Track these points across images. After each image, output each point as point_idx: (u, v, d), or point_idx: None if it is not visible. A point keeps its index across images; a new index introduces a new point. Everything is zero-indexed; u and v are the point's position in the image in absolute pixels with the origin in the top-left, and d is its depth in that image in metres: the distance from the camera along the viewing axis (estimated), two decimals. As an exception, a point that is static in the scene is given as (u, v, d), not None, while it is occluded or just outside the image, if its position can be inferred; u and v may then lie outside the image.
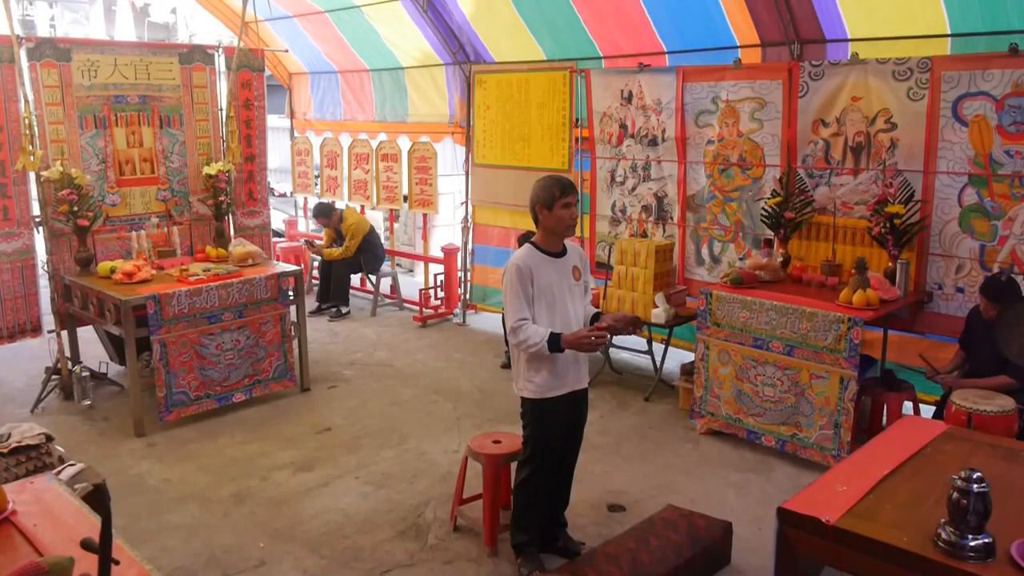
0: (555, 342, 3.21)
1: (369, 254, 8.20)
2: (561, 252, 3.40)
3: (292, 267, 6.02)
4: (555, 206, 3.28)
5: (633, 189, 6.33)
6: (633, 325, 3.41)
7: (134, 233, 5.91)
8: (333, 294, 8.17)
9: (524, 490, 3.51)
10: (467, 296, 7.97)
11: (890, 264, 4.81)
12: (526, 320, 3.26)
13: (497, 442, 3.85)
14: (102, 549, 1.69)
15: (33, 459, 3.03)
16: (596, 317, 3.46)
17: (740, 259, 5.70)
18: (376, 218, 9.66)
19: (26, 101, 5.38)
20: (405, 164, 8.17)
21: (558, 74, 6.71)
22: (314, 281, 8.92)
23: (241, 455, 4.86)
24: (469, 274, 7.92)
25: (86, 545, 1.75)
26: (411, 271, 10.37)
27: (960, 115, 4.57)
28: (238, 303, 5.39)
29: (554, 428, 3.43)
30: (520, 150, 7.14)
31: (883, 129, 4.90)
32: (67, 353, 5.82)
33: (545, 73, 6.83)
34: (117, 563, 1.78)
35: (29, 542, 2.10)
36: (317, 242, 8.61)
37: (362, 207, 8.88)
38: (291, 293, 5.72)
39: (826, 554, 2.37)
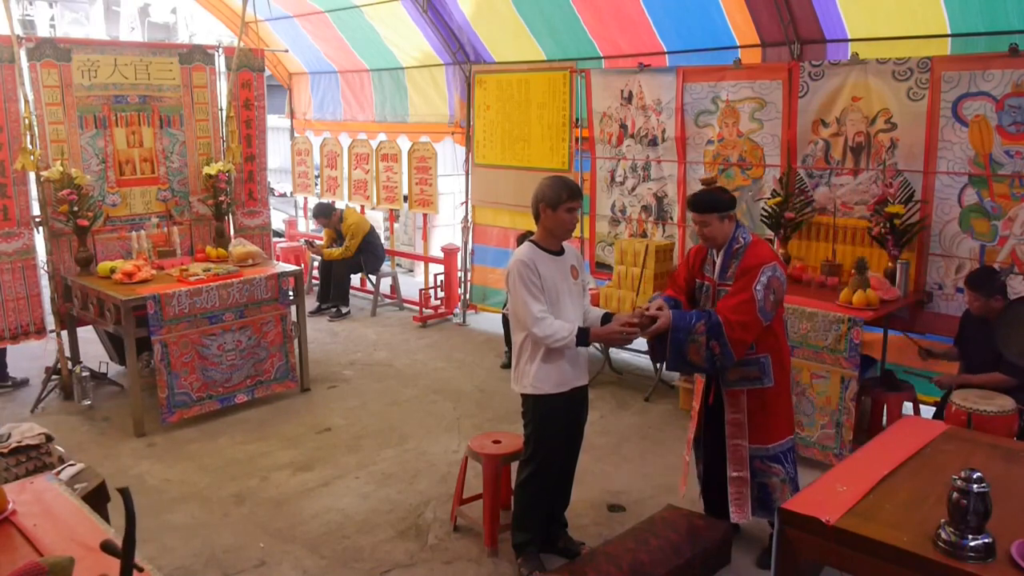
0: (583, 336, 3.21)
1: (369, 254, 8.20)
2: (560, 251, 3.41)
3: (292, 267, 6.02)
4: (559, 208, 3.27)
5: (633, 189, 6.33)
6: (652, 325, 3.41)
7: (134, 233, 5.91)
8: (333, 294, 8.17)
9: (526, 489, 3.51)
10: (467, 296, 7.97)
11: (890, 264, 4.81)
12: (548, 313, 3.25)
13: (497, 442, 3.86)
14: (125, 553, 1.65)
15: (33, 459, 3.04)
16: (608, 317, 3.45)
17: (740, 259, 5.69)
18: (376, 218, 9.66)
19: (26, 101, 5.38)
20: (405, 164, 8.17)
21: (558, 74, 6.71)
22: (314, 281, 8.92)
23: (241, 455, 4.86)
24: (469, 274, 7.92)
25: (107, 548, 1.70)
26: (411, 271, 10.37)
27: (960, 115, 4.57)
28: (238, 303, 5.39)
29: (555, 425, 3.43)
30: (520, 150, 7.14)
31: (883, 129, 4.90)
32: (67, 353, 5.82)
33: (545, 73, 6.83)
34: (141, 570, 1.76)
35: (29, 542, 2.10)
36: (317, 242, 8.61)
37: (362, 207, 8.88)
38: (291, 293, 5.72)
39: (826, 554, 2.36)
